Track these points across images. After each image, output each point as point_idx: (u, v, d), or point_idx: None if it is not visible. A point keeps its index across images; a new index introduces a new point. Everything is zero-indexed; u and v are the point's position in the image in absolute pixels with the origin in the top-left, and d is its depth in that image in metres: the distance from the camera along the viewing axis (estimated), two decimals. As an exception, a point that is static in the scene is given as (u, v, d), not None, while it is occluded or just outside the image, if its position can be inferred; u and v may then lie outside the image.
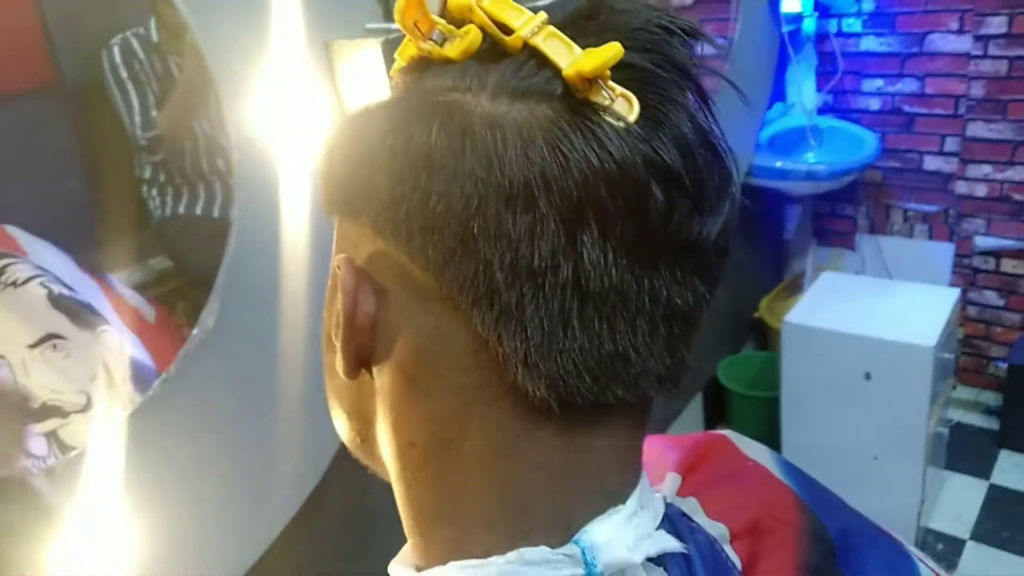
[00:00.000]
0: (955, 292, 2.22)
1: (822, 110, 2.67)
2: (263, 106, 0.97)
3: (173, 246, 1.16)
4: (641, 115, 0.32)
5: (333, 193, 0.37)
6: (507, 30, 0.34)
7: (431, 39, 0.35)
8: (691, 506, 0.45)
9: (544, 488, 0.35)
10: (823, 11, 2.57)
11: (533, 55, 0.33)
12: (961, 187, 2.57)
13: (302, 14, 0.99)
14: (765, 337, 2.72)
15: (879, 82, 2.61)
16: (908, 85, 2.56)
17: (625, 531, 0.36)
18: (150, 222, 1.14)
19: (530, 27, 0.33)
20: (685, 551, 0.37)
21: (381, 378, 0.37)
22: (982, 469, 2.47)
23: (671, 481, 0.47)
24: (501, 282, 0.32)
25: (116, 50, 1.05)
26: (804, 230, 2.90)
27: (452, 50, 0.35)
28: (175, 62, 1.07)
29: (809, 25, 2.57)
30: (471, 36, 0.34)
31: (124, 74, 1.05)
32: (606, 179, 0.31)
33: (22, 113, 1.00)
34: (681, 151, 0.33)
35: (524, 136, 0.31)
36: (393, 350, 0.36)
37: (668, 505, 0.40)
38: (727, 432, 0.53)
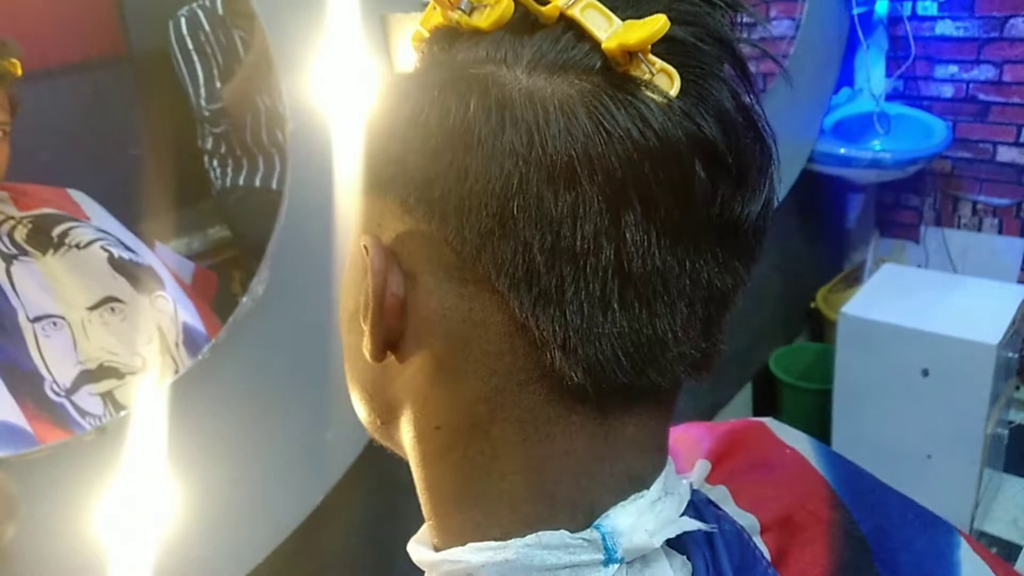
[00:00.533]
0: (1023, 289, 2.14)
1: (891, 96, 2.59)
2: (319, 78, 0.98)
3: (231, 216, 1.18)
4: (682, 90, 0.31)
5: (359, 168, 0.36)
6: (541, 0, 0.33)
7: (459, 8, 0.34)
8: (720, 495, 0.45)
9: (571, 472, 0.35)
10: (897, -7, 2.49)
11: (570, 27, 0.32)
12: (1036, 180, 2.47)
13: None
14: (821, 328, 2.67)
15: (953, 68, 2.51)
16: (984, 72, 2.46)
17: (647, 517, 0.35)
18: (210, 192, 1.16)
19: None
20: (708, 531, 0.36)
21: (408, 361, 0.36)
22: (1042, 473, 2.39)
23: (700, 468, 0.47)
24: (541, 264, 0.31)
25: (183, 21, 1.06)
26: (866, 220, 2.82)
27: (483, 20, 0.33)
28: (239, 35, 1.08)
29: (882, 7, 2.48)
30: (503, 5, 0.33)
31: (190, 45, 1.06)
32: (650, 156, 0.30)
33: (89, 81, 1.03)
34: (724, 128, 0.31)
35: (566, 111, 0.30)
36: (422, 333, 0.35)
37: (694, 492, 0.39)
38: (766, 420, 0.52)
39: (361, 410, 0.41)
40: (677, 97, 0.31)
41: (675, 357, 0.33)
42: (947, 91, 2.54)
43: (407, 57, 0.37)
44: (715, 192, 0.32)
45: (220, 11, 1.07)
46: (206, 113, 1.10)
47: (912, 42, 2.49)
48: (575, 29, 0.32)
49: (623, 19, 0.31)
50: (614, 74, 0.31)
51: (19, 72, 0.81)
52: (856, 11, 2.33)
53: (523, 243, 0.31)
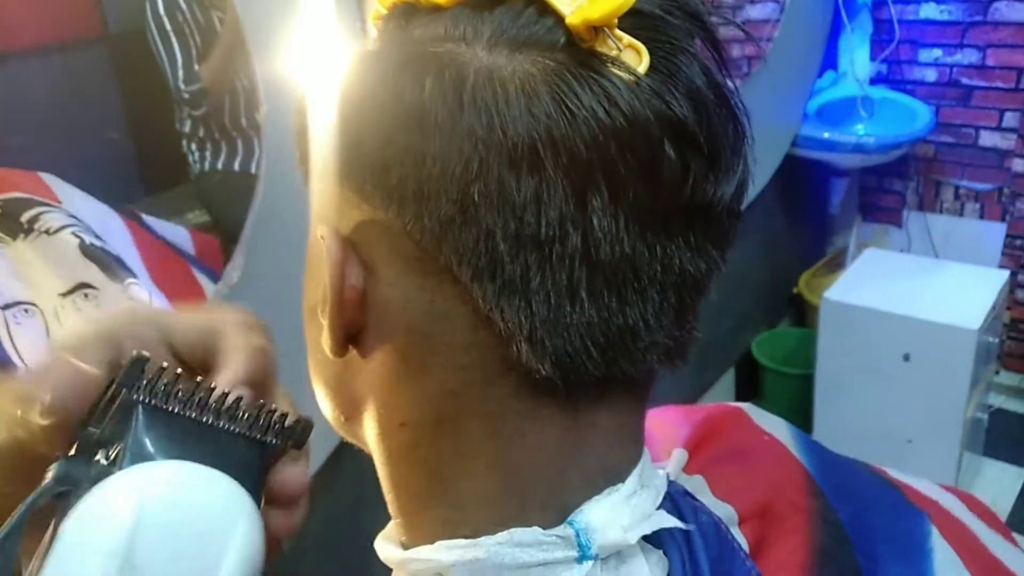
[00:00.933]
0: (1004, 274, 2.15)
1: (875, 80, 2.58)
2: (292, 58, 0.95)
3: (210, 201, 1.17)
4: (651, 67, 0.29)
5: (311, 154, 0.35)
6: None
7: None
8: (697, 484, 0.44)
9: (543, 467, 0.34)
10: (881, -25, 2.48)
11: (532, 2, 0.30)
12: (1018, 165, 2.47)
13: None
14: (803, 313, 2.68)
15: (937, 52, 2.50)
16: (968, 56, 2.46)
17: (622, 511, 0.34)
18: (189, 176, 1.15)
19: None
20: (685, 528, 0.35)
21: (370, 356, 0.35)
22: (1021, 457, 2.41)
23: (677, 457, 0.46)
24: (504, 253, 0.29)
25: (160, 1, 1.04)
26: (849, 204, 2.83)
27: None
28: (217, 15, 1.07)
29: (866, -10, 2.47)
30: None
31: (168, 25, 1.04)
32: (616, 137, 0.29)
33: (64, 63, 1.00)
34: (695, 106, 0.30)
35: (527, 90, 0.29)
36: (383, 327, 0.33)
37: (671, 483, 0.38)
38: (744, 405, 0.51)
39: (325, 406, 0.40)
40: (646, 74, 0.29)
41: (647, 346, 0.32)
42: (931, 75, 2.54)
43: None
44: (686, 174, 0.30)
45: None
46: (185, 95, 1.08)
47: (896, 25, 2.48)
48: (537, 4, 0.30)
49: None
50: (578, 50, 0.30)
51: None
52: (840, -6, 2.32)
53: (485, 231, 0.29)
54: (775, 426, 0.50)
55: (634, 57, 0.29)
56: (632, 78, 0.29)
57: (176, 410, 0.30)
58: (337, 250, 0.33)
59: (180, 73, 1.06)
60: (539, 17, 0.30)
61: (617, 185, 0.29)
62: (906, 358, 2.04)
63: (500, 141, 0.29)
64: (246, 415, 0.31)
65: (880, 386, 2.12)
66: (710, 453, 0.46)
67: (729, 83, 0.33)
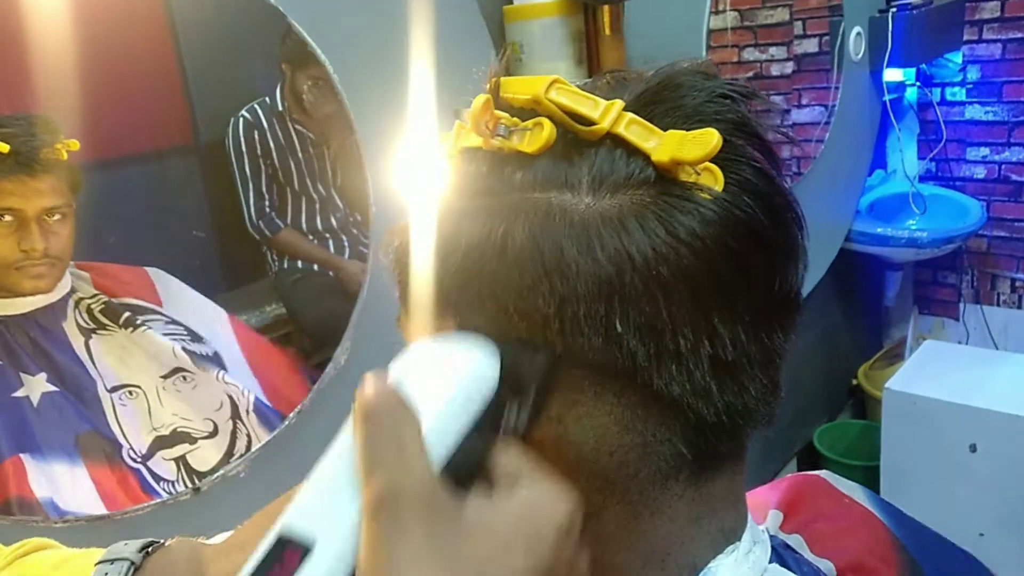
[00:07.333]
0: (1067, 365, 2.13)
1: (924, 177, 2.64)
2: (399, 166, 1.07)
3: (287, 296, 1.23)
4: (725, 183, 0.33)
5: (429, 296, 0.37)
6: (581, 120, 0.34)
7: (498, 134, 0.36)
8: (796, 542, 0.49)
9: (676, 536, 0.38)
10: (926, 80, 2.57)
11: (617, 143, 0.34)
12: (1074, 258, 2.48)
13: (434, 83, 1.09)
14: (863, 405, 2.66)
15: (985, 150, 2.56)
16: (1016, 153, 2.51)
17: (744, 566, 0.38)
18: (267, 272, 1.22)
19: (610, 116, 0.34)
20: None
21: None
22: (1100, 555, 2.32)
23: (772, 518, 0.51)
24: (644, 368, 0.33)
25: (241, 122, 1.12)
26: (905, 297, 2.84)
27: (529, 145, 0.35)
28: (297, 128, 1.15)
29: (911, 94, 2.56)
30: (547, 131, 0.34)
31: (244, 148, 1.12)
32: (719, 253, 0.33)
33: (161, 168, 1.09)
34: (768, 212, 0.34)
35: (647, 228, 0.32)
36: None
37: (772, 537, 0.43)
38: (822, 473, 0.56)
39: None
40: (722, 190, 0.33)
41: (756, 421, 0.37)
42: (979, 172, 2.59)
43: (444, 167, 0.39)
44: (773, 271, 0.35)
45: (280, 107, 1.14)
46: (251, 229, 1.15)
47: (943, 126, 2.55)
48: (624, 146, 0.34)
49: (662, 127, 0.33)
50: (667, 182, 0.33)
51: (64, 157, 0.87)
52: (887, 97, 2.40)
53: (628, 352, 0.33)
54: (852, 490, 0.54)
55: (710, 177, 0.33)
56: (711, 197, 0.33)
57: None
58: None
59: (251, 204, 1.12)
60: (629, 158, 0.34)
61: (729, 294, 0.33)
62: (972, 449, 2.01)
63: (630, 278, 0.32)
64: None
65: (947, 477, 2.07)
66: (802, 515, 0.51)
67: (785, 186, 0.37)
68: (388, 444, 0.30)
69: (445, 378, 0.33)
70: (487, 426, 0.33)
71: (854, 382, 2.67)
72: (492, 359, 0.33)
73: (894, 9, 2.24)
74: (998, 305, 2.68)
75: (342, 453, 0.32)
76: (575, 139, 0.35)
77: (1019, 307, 2.64)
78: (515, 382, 0.33)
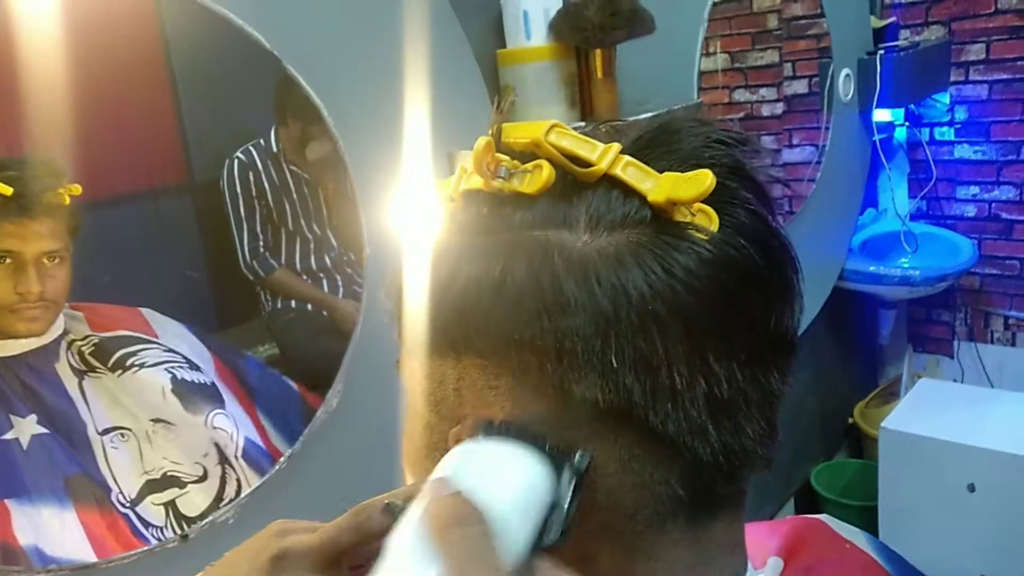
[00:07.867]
0: (1064, 403, 2.12)
1: (915, 216, 2.67)
2: (394, 206, 1.07)
3: (280, 336, 1.21)
4: (720, 225, 0.34)
5: (427, 334, 0.37)
6: (579, 162, 0.35)
7: (499, 176, 0.36)
8: None
9: None
10: (915, 120, 2.60)
11: (614, 184, 0.35)
12: (1067, 295, 2.50)
13: (429, 126, 1.10)
14: (860, 444, 2.65)
15: (975, 189, 2.59)
16: (1005, 192, 2.54)
17: None
18: (260, 312, 1.20)
19: (608, 158, 0.35)
20: None
21: None
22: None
23: (772, 565, 0.49)
24: (641, 407, 0.33)
25: (235, 164, 1.12)
26: (899, 335, 2.85)
27: (529, 186, 0.36)
28: (291, 169, 1.14)
29: (901, 134, 2.60)
30: (546, 172, 0.35)
31: (239, 190, 1.11)
32: (715, 291, 0.33)
33: (155, 208, 1.08)
34: (763, 253, 0.35)
35: (643, 265, 0.33)
36: None
37: None
38: (823, 516, 0.55)
39: None
40: (717, 231, 0.34)
41: (753, 463, 0.37)
42: (970, 210, 2.61)
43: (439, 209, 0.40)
44: (769, 311, 0.35)
45: (274, 148, 1.13)
46: (244, 269, 1.14)
47: (933, 165, 2.58)
48: (620, 187, 0.35)
49: (658, 170, 0.35)
50: (663, 222, 0.34)
51: (67, 201, 0.87)
52: (876, 137, 2.43)
53: (624, 390, 0.33)
54: (854, 535, 0.53)
55: (705, 219, 0.34)
56: (706, 237, 0.33)
57: None
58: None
59: (246, 245, 1.12)
60: (625, 199, 0.35)
61: (726, 334, 0.34)
62: (971, 488, 2.00)
63: (627, 316, 0.32)
64: None
65: (946, 517, 2.06)
66: (803, 561, 0.50)
67: (778, 226, 0.37)
68: (475, 561, 0.30)
69: (511, 489, 0.32)
70: (536, 538, 0.32)
71: (850, 420, 2.67)
72: (544, 467, 0.33)
73: (882, 51, 2.29)
74: (992, 343, 2.69)
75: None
76: (574, 181, 0.36)
77: (1014, 344, 2.65)
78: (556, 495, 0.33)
